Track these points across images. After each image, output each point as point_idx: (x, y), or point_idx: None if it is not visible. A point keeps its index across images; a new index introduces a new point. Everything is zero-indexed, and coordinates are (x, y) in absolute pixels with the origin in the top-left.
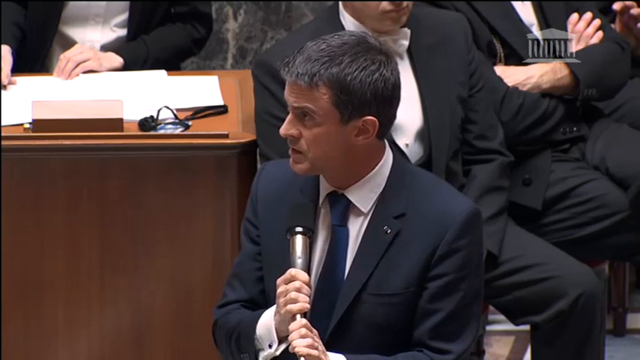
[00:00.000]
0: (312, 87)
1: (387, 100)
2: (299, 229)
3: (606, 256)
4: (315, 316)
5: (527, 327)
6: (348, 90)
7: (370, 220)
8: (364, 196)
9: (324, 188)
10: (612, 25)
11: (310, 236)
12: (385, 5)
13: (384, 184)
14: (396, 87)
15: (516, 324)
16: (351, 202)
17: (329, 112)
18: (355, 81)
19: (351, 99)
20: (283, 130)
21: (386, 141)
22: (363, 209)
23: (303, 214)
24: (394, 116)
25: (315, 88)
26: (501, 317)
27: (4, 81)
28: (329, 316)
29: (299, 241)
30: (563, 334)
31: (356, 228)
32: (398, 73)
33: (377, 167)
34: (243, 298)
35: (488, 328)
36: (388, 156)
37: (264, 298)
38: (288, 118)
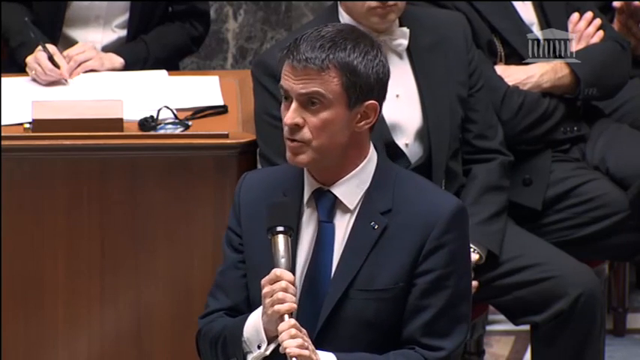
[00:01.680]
0: (322, 70)
1: (385, 85)
2: (280, 228)
3: (606, 256)
4: (303, 314)
5: (527, 327)
6: (356, 73)
7: (357, 216)
8: (350, 192)
9: (310, 185)
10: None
11: (291, 235)
12: (371, 2)
13: (369, 181)
14: (389, 74)
15: (516, 324)
16: (337, 198)
17: (338, 96)
18: (361, 65)
19: (359, 82)
20: (289, 118)
21: (370, 140)
22: (349, 205)
23: (283, 213)
24: (382, 106)
25: (327, 71)
26: (501, 317)
27: (66, 75)
28: (317, 313)
29: (281, 240)
30: (563, 334)
31: (343, 224)
32: (388, 61)
33: (362, 164)
34: (226, 306)
35: (489, 328)
36: (373, 154)
37: (248, 306)
38: (293, 106)
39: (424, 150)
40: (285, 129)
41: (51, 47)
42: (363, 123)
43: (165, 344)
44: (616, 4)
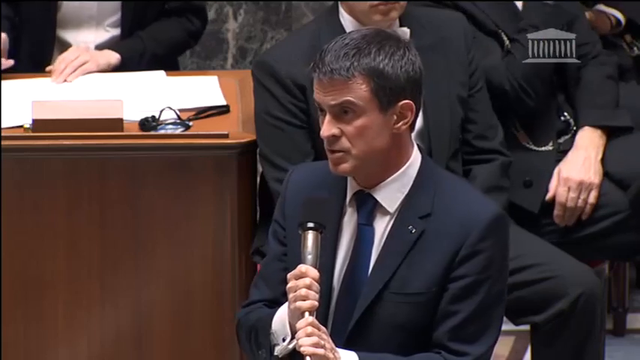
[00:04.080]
0: (349, 79)
1: (418, 83)
2: (310, 224)
3: (606, 256)
4: (339, 313)
5: (527, 327)
6: (384, 76)
7: (395, 219)
8: (391, 196)
9: (351, 187)
10: (587, 14)
11: (322, 232)
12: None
13: (410, 184)
14: (422, 70)
15: (516, 324)
16: (377, 201)
17: (369, 102)
18: (388, 66)
19: (388, 84)
20: (325, 131)
21: (415, 142)
22: (389, 209)
23: (317, 209)
24: (421, 103)
25: (353, 79)
26: None
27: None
28: (351, 314)
29: (310, 237)
30: (563, 334)
31: (381, 227)
32: (419, 57)
33: (404, 167)
34: (267, 298)
35: None
36: (416, 156)
37: (288, 299)
38: (327, 119)
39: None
40: (325, 141)
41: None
42: (401, 123)
43: (166, 344)
44: None
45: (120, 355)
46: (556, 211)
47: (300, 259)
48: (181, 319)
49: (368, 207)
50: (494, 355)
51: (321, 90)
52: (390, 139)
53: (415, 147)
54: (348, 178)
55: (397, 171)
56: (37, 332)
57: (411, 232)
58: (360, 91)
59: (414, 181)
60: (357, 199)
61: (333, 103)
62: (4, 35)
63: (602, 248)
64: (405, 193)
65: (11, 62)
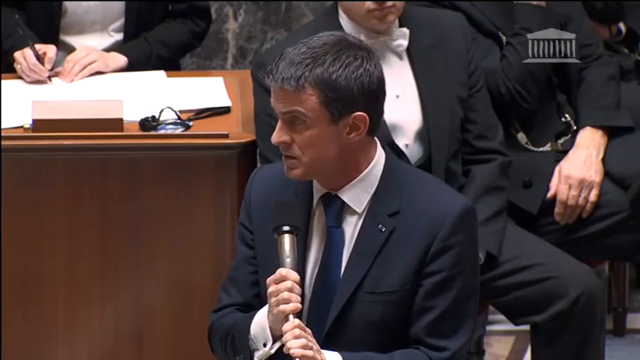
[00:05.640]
0: (298, 90)
1: (374, 94)
2: (286, 228)
3: (606, 256)
4: (312, 316)
5: (527, 327)
6: (335, 88)
7: (364, 219)
8: (358, 196)
9: (318, 190)
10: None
11: (297, 234)
12: (369, 4)
13: (377, 183)
14: (381, 80)
15: (516, 324)
16: (344, 202)
17: (319, 113)
18: (340, 78)
19: (339, 96)
20: (275, 137)
21: (377, 140)
22: (357, 209)
23: (289, 212)
24: (382, 111)
25: (302, 90)
26: (501, 317)
27: (46, 74)
28: (326, 315)
29: (287, 240)
30: (563, 334)
31: (351, 228)
32: (381, 66)
33: (369, 167)
34: (238, 302)
35: (489, 328)
36: (380, 155)
37: (259, 302)
38: (279, 125)
39: (424, 150)
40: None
41: (40, 46)
42: (353, 134)
43: (166, 344)
44: None
45: (120, 355)
46: (557, 209)
47: (270, 261)
48: (181, 319)
49: (336, 208)
50: (494, 355)
51: (274, 95)
52: (340, 148)
53: (379, 146)
54: (313, 181)
55: (361, 172)
56: (37, 332)
57: (381, 230)
58: (309, 102)
59: (380, 180)
60: (324, 202)
61: (283, 110)
62: (42, 46)
63: (602, 248)
64: (372, 192)
65: (46, 75)
